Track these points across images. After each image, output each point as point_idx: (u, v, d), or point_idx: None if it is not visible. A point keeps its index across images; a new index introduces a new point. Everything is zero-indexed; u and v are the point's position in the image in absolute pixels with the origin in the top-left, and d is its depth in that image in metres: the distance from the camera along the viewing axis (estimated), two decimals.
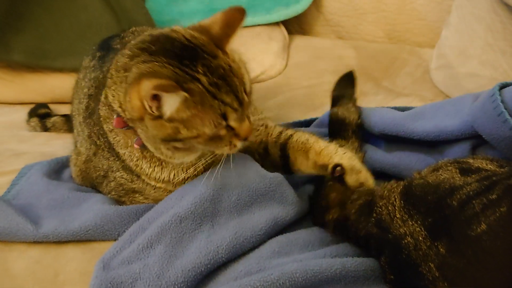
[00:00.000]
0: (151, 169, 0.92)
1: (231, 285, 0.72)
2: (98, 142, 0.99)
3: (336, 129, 1.10)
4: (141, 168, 0.93)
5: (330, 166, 0.92)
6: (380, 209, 0.79)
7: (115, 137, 0.93)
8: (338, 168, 0.91)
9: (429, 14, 1.73)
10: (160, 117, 0.80)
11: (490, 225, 0.65)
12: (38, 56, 1.55)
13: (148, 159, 0.92)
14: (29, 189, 1.03)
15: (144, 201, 0.97)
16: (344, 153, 0.94)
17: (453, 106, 1.06)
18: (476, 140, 0.99)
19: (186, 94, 0.77)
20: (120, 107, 0.86)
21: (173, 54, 0.80)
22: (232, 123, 0.82)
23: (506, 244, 0.63)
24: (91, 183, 1.05)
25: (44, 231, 0.91)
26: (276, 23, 1.83)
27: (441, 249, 0.68)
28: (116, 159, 0.96)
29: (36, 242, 0.92)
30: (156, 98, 0.78)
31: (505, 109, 0.90)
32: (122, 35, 1.22)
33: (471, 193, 0.71)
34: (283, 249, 0.84)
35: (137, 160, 0.92)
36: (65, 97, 1.41)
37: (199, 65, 0.80)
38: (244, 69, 0.86)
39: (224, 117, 0.81)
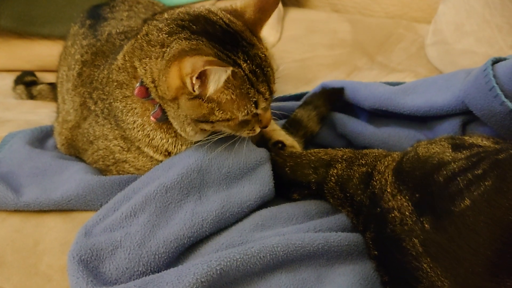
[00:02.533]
0: (163, 141, 0.90)
1: (211, 257, 0.71)
2: (93, 107, 0.97)
3: (291, 125, 1.08)
4: (152, 138, 0.90)
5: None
6: (375, 183, 0.79)
7: (131, 104, 0.90)
8: (280, 145, 1.00)
9: None
10: (198, 97, 0.79)
11: (474, 200, 0.64)
12: (25, 22, 1.52)
13: (164, 130, 0.89)
14: (11, 157, 1.01)
15: (131, 169, 0.95)
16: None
17: (446, 82, 1.04)
18: (466, 116, 0.98)
19: (230, 72, 0.76)
20: (152, 82, 0.84)
21: (215, 37, 0.81)
22: (260, 111, 0.84)
23: (490, 219, 0.61)
24: (76, 152, 1.03)
25: (25, 200, 0.89)
26: None
27: (426, 225, 0.67)
28: (115, 127, 0.93)
29: (17, 210, 0.90)
30: (200, 76, 0.77)
31: (497, 84, 0.88)
32: (112, 4, 1.19)
33: (457, 169, 0.70)
34: (266, 223, 0.83)
35: (151, 130, 0.89)
36: (52, 65, 1.38)
37: (239, 51, 0.81)
38: (273, 58, 0.86)
39: (256, 104, 0.82)
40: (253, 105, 0.82)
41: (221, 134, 0.86)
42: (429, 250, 0.65)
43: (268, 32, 1.70)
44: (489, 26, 1.36)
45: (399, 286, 0.69)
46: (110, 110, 0.93)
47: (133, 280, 0.73)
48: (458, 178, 0.69)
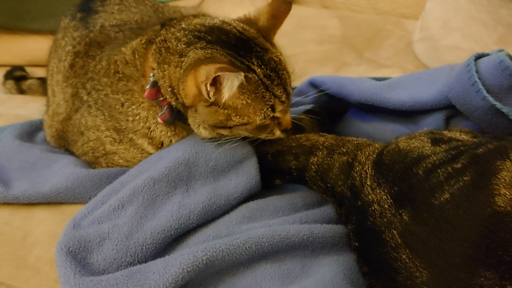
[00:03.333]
0: (162, 133, 0.92)
1: (198, 248, 0.72)
2: (85, 98, 0.98)
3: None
4: (152, 130, 0.92)
5: None
6: (355, 174, 0.80)
7: (137, 98, 0.92)
8: None
9: None
10: (214, 104, 0.82)
11: (453, 194, 0.66)
12: (15, 17, 1.54)
13: (167, 125, 0.92)
14: (0, 151, 1.02)
15: (121, 161, 0.97)
16: None
17: (430, 77, 1.06)
18: (450, 110, 0.99)
19: (243, 77, 0.79)
20: (170, 87, 0.86)
21: (229, 45, 0.84)
22: (278, 114, 0.87)
23: (468, 214, 0.63)
24: (66, 143, 1.05)
25: (14, 193, 0.91)
26: None
27: (405, 217, 0.69)
28: (108, 118, 0.95)
29: (6, 203, 0.92)
30: (215, 83, 0.80)
31: (479, 79, 0.90)
32: None
33: (437, 162, 0.72)
34: (253, 215, 0.85)
35: (154, 123, 0.92)
36: (42, 59, 1.39)
37: (253, 57, 0.83)
38: (288, 62, 0.89)
39: (273, 108, 0.85)
40: (269, 108, 0.84)
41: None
42: (408, 241, 0.66)
43: None
44: (475, 22, 1.38)
45: (378, 277, 0.71)
46: (104, 101, 0.95)
47: (121, 270, 0.74)
48: (439, 170, 0.70)
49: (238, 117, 0.83)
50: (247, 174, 0.89)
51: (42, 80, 1.38)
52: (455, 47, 1.40)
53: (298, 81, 1.41)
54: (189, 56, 0.83)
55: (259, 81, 0.83)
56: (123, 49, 0.95)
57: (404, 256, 0.66)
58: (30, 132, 1.12)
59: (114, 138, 0.95)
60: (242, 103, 0.82)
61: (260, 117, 0.84)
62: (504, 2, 1.33)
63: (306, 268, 0.77)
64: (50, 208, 0.91)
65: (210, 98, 0.81)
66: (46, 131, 1.09)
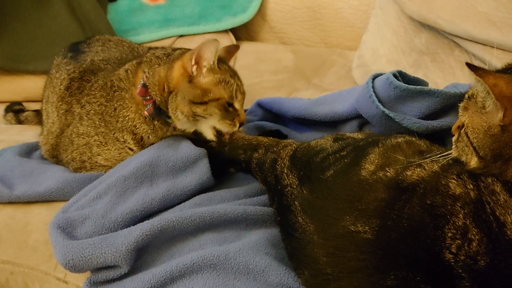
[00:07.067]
0: (144, 130, 1.18)
1: (155, 219, 0.96)
2: (78, 111, 1.24)
3: None
4: (137, 128, 1.18)
5: None
6: (277, 166, 1.05)
7: (127, 104, 1.18)
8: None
9: (357, 21, 1.99)
10: (194, 81, 1.11)
11: (336, 171, 0.91)
12: (13, 60, 1.75)
13: (148, 124, 1.18)
14: (4, 165, 1.26)
15: (102, 161, 1.21)
16: None
17: (348, 94, 1.32)
18: (361, 119, 1.25)
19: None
20: (157, 81, 1.15)
21: None
22: (237, 105, 1.15)
23: (343, 182, 0.87)
24: (57, 153, 1.28)
25: (16, 193, 1.15)
26: (225, 31, 2.06)
27: (305, 191, 0.93)
28: (98, 125, 1.21)
29: (10, 202, 1.16)
30: (197, 61, 1.10)
31: (374, 92, 1.17)
32: (88, 41, 1.47)
33: (330, 152, 0.97)
34: (203, 202, 1.09)
35: (138, 122, 1.18)
36: (36, 96, 1.60)
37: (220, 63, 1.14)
38: None
39: (236, 93, 1.14)
40: (234, 92, 1.12)
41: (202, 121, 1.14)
42: (304, 207, 0.90)
43: None
44: (396, 50, 1.66)
45: (287, 238, 0.94)
46: (96, 110, 1.21)
47: None
48: (330, 157, 0.96)
49: (212, 93, 1.11)
50: (200, 171, 1.13)
51: (37, 112, 1.60)
52: (381, 71, 1.63)
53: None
54: (176, 53, 1.14)
55: (228, 69, 1.14)
56: (116, 72, 1.24)
57: (300, 218, 0.90)
58: (27, 151, 1.36)
59: (100, 141, 1.20)
60: (215, 81, 1.11)
61: (228, 95, 1.12)
62: (416, 32, 1.61)
63: (240, 237, 1.00)
64: (44, 204, 1.15)
65: (193, 72, 1.11)
66: (41, 148, 1.34)
